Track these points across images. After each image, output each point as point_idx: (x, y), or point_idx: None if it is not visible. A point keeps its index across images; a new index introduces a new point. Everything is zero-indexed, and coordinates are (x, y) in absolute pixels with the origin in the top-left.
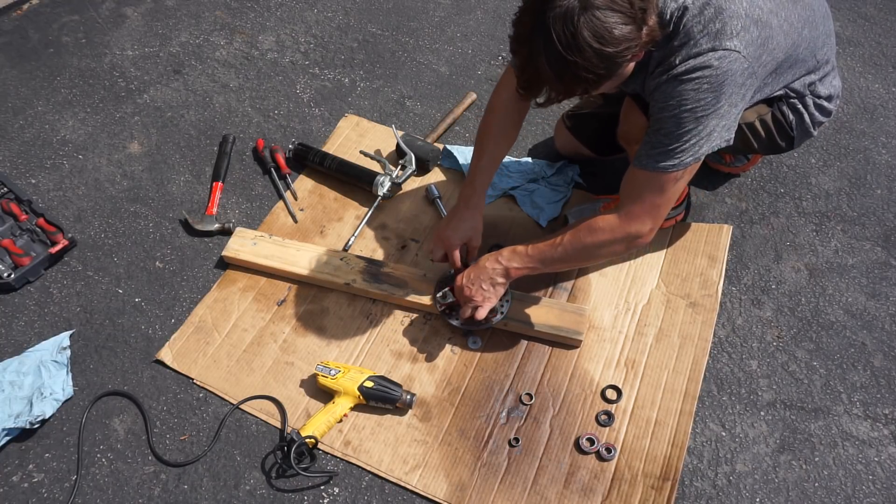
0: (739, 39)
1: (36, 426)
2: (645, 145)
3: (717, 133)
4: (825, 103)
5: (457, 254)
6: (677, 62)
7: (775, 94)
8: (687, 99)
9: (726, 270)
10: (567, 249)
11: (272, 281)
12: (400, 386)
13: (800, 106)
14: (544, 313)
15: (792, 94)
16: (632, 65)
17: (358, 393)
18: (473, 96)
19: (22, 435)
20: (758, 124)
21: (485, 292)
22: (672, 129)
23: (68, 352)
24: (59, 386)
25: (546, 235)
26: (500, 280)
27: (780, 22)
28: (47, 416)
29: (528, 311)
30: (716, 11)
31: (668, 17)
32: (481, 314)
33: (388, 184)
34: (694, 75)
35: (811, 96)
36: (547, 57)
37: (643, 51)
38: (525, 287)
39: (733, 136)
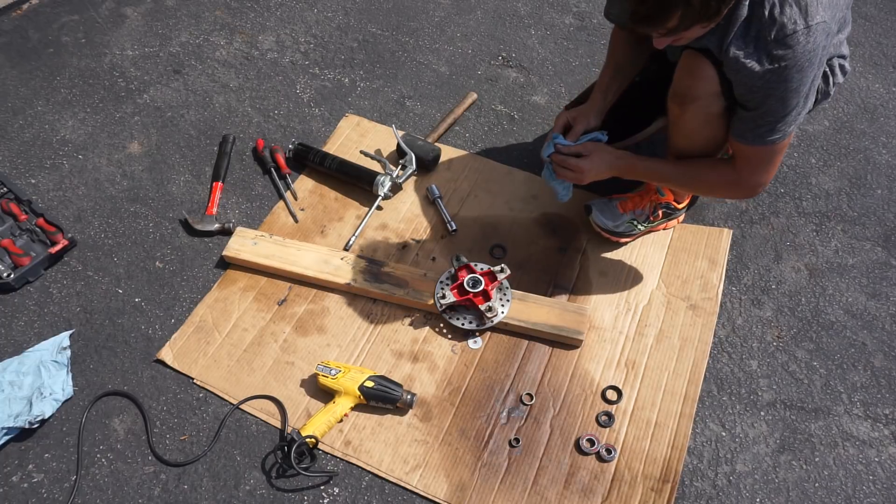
0: (822, 7)
1: (35, 426)
2: (746, 123)
3: (812, 94)
4: (845, 63)
5: (560, 123)
6: (772, 37)
7: None
8: (791, 81)
9: (726, 270)
10: (688, 179)
11: (273, 281)
12: (400, 386)
13: (826, 69)
14: (545, 313)
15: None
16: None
17: (358, 393)
18: (474, 96)
19: (22, 435)
20: None
21: (595, 168)
22: (778, 110)
23: (68, 352)
24: (59, 386)
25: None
26: (616, 163)
27: None
28: (47, 416)
29: (528, 311)
30: None
31: None
32: (583, 181)
33: (388, 184)
34: (794, 60)
35: (837, 57)
36: None
37: None
38: (525, 287)
39: None
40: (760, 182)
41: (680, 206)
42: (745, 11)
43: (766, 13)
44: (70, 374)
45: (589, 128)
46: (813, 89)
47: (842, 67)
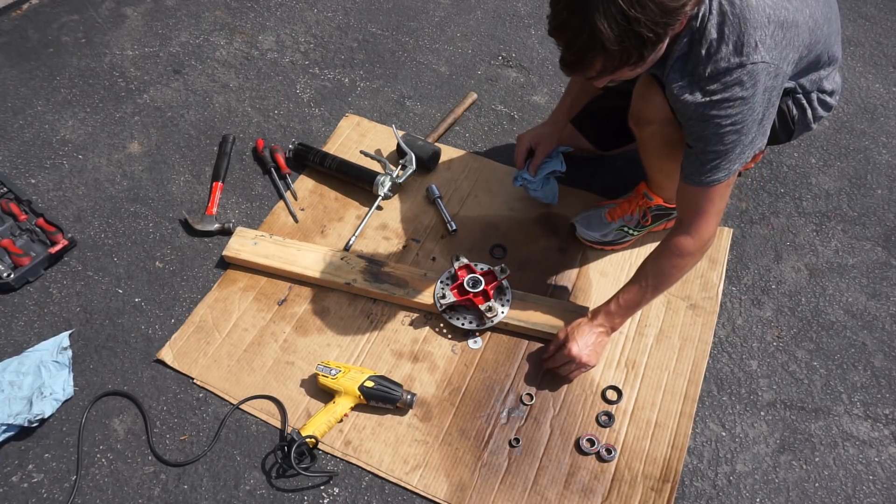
0: (765, 48)
1: (35, 425)
2: (692, 163)
3: (759, 136)
4: (828, 98)
5: (521, 150)
6: (706, 73)
7: (785, 88)
8: (726, 117)
9: (726, 270)
10: (657, 286)
11: (273, 280)
12: (400, 386)
13: (804, 102)
14: (545, 313)
15: (799, 90)
16: (667, 41)
17: (358, 393)
18: (474, 96)
19: (22, 435)
20: None
21: (599, 355)
22: (717, 146)
23: (69, 352)
24: (60, 386)
25: (625, 284)
26: (608, 339)
27: (806, 19)
28: (46, 416)
29: (528, 311)
30: (740, 21)
31: (697, 10)
32: (593, 362)
33: (388, 184)
34: (727, 94)
35: (817, 92)
36: (606, 16)
37: (686, 18)
38: (525, 287)
39: (769, 132)
40: (708, 234)
41: (673, 206)
42: (683, 47)
43: (703, 51)
44: (71, 374)
45: (548, 151)
46: (760, 129)
47: (823, 102)
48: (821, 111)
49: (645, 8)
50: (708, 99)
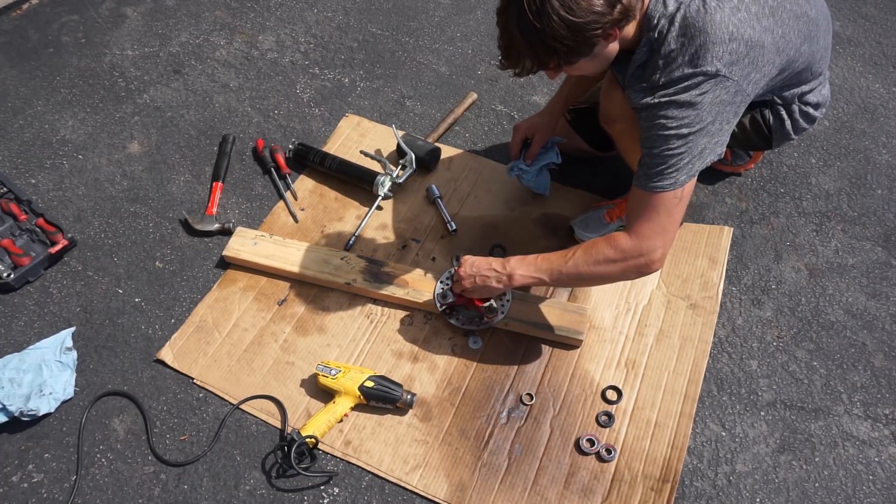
0: (723, 63)
1: (27, 419)
2: (642, 166)
3: (710, 150)
4: (811, 110)
5: (518, 140)
6: (660, 82)
7: (762, 99)
8: (672, 119)
9: (726, 270)
10: (578, 264)
11: (273, 280)
12: (400, 386)
13: (783, 112)
14: (545, 313)
15: (778, 101)
16: (613, 45)
17: (358, 393)
18: (474, 96)
19: (22, 434)
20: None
21: (480, 289)
22: (663, 151)
23: (74, 353)
24: (61, 386)
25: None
26: (497, 285)
27: (776, 39)
28: (41, 413)
29: (528, 311)
30: (700, 34)
31: (654, 21)
32: (456, 290)
33: (388, 184)
34: (675, 98)
35: (798, 103)
36: (519, 25)
37: (616, 29)
38: (525, 287)
39: (724, 149)
40: (647, 243)
41: None
42: (643, 56)
43: (661, 60)
44: (74, 376)
45: (545, 142)
46: (711, 142)
47: (806, 115)
48: (802, 123)
49: (550, 22)
50: (657, 101)
